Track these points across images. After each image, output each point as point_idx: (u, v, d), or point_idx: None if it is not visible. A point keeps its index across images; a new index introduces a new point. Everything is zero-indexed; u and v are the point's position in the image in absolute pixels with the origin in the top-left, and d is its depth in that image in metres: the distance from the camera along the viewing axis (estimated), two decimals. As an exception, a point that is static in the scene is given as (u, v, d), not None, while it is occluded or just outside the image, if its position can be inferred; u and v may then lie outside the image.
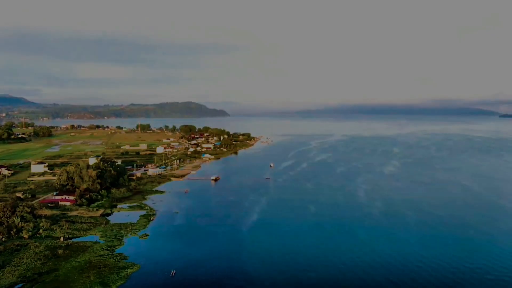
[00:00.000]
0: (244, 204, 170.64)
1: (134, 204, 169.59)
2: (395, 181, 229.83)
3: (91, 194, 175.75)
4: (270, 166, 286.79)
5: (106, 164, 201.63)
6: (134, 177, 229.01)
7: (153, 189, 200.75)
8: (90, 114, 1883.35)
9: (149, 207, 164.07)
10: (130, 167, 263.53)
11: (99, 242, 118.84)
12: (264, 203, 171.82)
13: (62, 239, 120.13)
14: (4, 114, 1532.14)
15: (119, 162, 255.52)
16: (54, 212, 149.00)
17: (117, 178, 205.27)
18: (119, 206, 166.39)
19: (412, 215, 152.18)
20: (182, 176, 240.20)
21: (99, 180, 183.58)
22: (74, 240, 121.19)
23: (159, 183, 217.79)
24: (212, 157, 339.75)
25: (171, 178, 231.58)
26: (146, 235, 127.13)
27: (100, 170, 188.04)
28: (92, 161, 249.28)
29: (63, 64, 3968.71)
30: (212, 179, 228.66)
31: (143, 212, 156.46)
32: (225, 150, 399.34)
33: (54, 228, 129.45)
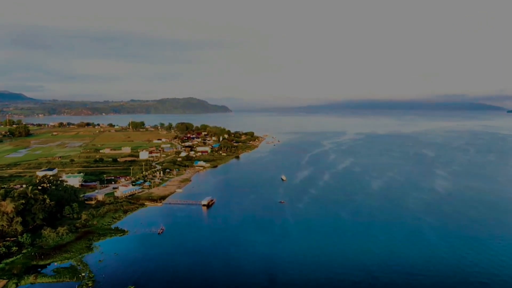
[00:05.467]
0: (252, 263, 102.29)
1: (68, 262, 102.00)
2: (467, 207, 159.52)
3: (3, 243, 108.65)
4: (282, 179, 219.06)
5: (38, 191, 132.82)
6: (93, 201, 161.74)
7: (112, 226, 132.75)
8: (88, 111, 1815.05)
9: (89, 271, 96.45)
10: (94, 183, 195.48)
11: None
12: (285, 261, 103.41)
13: None
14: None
15: (77, 181, 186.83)
16: None
17: (60, 209, 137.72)
18: (41, 266, 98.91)
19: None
20: (162, 198, 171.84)
21: (19, 219, 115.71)
22: None
23: (126, 212, 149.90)
24: (208, 165, 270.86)
25: (145, 203, 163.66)
26: None
27: (23, 202, 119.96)
28: (42, 174, 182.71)
29: (66, 61, 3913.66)
30: (203, 204, 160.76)
31: (75, 285, 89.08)
32: (224, 154, 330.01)
33: None
